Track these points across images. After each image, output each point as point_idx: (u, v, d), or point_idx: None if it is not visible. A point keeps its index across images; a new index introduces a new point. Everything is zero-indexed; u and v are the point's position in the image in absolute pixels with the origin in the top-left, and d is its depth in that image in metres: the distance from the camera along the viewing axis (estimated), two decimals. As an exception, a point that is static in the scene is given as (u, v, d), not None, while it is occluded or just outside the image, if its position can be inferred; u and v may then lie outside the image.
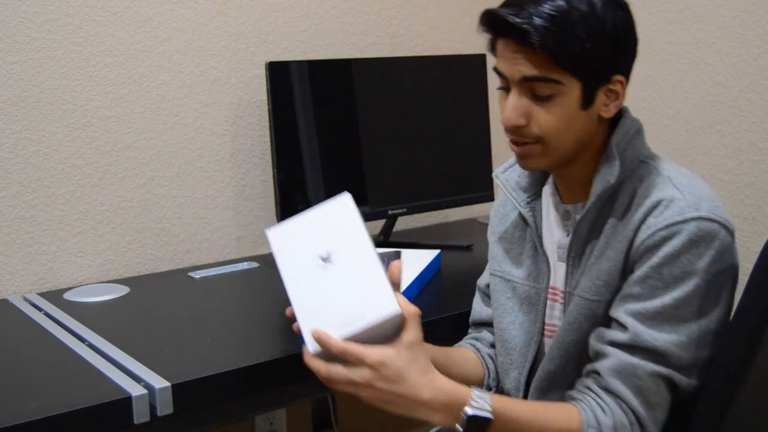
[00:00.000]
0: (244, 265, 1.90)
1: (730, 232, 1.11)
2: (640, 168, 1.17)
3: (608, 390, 1.11)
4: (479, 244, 2.04)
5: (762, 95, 1.86)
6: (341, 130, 1.95)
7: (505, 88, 1.17)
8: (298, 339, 1.46)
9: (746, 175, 1.90)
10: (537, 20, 1.07)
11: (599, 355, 1.13)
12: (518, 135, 1.15)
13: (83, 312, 1.57)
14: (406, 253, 1.78)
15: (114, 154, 1.82)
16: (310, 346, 1.06)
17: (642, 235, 1.11)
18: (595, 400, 1.11)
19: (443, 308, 1.56)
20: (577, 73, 1.11)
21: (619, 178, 1.15)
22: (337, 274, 1.08)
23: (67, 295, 1.68)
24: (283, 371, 1.34)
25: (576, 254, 1.21)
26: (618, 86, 1.15)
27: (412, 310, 1.06)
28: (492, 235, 1.38)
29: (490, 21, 1.14)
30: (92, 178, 1.80)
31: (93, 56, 1.77)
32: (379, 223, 2.12)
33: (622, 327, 1.11)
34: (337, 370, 1.04)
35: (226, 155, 1.97)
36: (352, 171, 1.97)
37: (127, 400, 1.18)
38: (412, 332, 1.05)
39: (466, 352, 1.37)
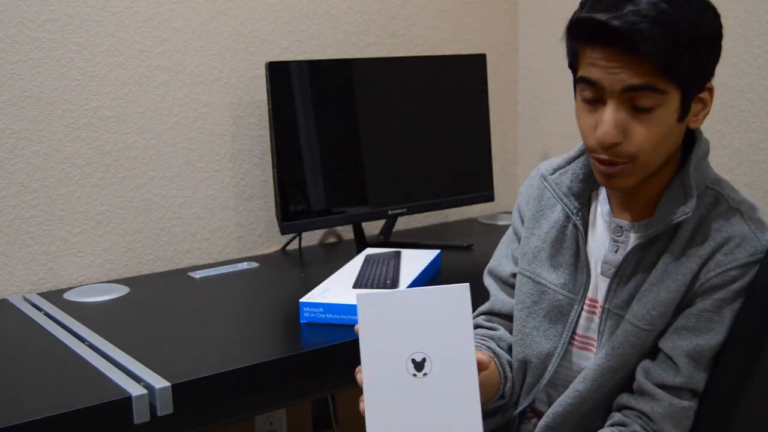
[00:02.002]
0: (244, 265, 1.90)
1: None
2: (706, 194, 1.12)
3: None
4: (479, 244, 2.03)
5: (762, 95, 1.85)
6: (341, 130, 1.95)
7: (592, 101, 1.07)
8: (297, 339, 1.47)
9: (746, 175, 1.90)
10: (643, 24, 0.99)
11: (647, 396, 1.11)
12: (612, 154, 1.06)
13: (83, 312, 1.57)
14: (406, 253, 1.78)
15: (114, 154, 1.82)
16: None
17: (710, 272, 1.08)
18: None
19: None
20: (681, 81, 1.03)
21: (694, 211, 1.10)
22: (427, 387, 0.96)
23: (67, 295, 1.68)
24: (283, 371, 1.34)
25: (624, 273, 1.15)
26: (707, 94, 1.09)
27: None
28: (524, 230, 1.29)
29: (585, 29, 1.04)
30: (92, 178, 1.80)
31: (93, 56, 1.77)
32: (379, 223, 2.12)
33: (675, 366, 1.09)
34: None
35: (226, 155, 1.97)
36: (352, 171, 1.97)
37: (127, 400, 1.18)
38: None
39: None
